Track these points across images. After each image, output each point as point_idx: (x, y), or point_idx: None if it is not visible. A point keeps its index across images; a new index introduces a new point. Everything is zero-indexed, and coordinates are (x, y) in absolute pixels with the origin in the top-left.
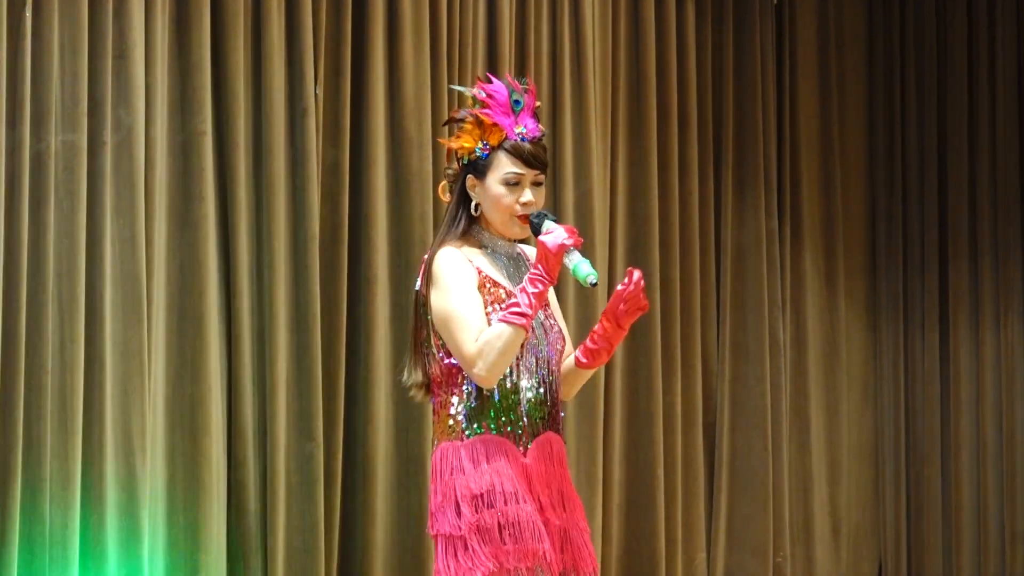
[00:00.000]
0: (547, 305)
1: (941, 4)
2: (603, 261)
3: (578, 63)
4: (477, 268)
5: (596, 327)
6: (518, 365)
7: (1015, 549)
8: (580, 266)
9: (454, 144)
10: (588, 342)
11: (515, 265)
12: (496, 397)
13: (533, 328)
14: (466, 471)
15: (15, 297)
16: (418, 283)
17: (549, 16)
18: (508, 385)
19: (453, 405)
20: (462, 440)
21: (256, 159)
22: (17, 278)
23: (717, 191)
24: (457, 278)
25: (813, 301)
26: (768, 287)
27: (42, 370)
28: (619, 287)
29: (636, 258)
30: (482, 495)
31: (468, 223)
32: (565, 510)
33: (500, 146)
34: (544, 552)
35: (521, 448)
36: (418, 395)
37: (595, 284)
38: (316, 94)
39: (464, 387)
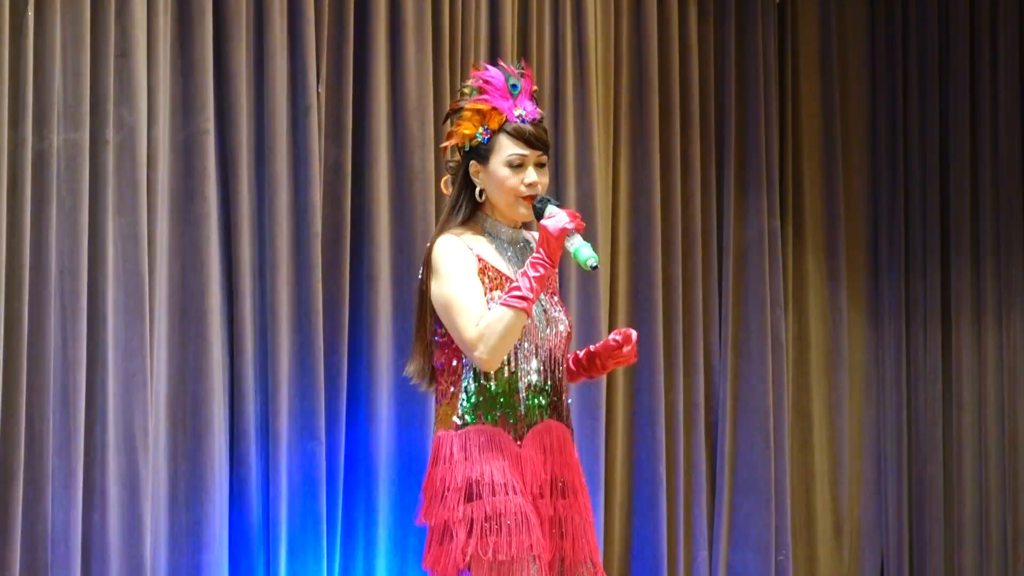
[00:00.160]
0: (553, 293)
1: (943, 3)
2: (605, 260)
3: (580, 62)
4: (477, 255)
5: (582, 360)
6: (516, 354)
7: (1017, 548)
8: (581, 249)
9: (455, 138)
10: (571, 364)
11: (519, 252)
12: (493, 387)
13: (533, 316)
14: (456, 461)
15: (17, 295)
16: (420, 272)
17: (551, 15)
18: (506, 374)
19: (452, 395)
20: (456, 430)
21: (258, 158)
22: (19, 276)
23: (719, 190)
24: (456, 265)
25: (815, 300)
26: (770, 286)
27: (44, 368)
28: (611, 338)
29: (638, 257)
30: (470, 486)
31: (471, 210)
32: (565, 496)
33: (501, 129)
34: (531, 544)
35: (517, 437)
36: (422, 384)
37: (596, 268)
38: (318, 93)
39: (463, 376)
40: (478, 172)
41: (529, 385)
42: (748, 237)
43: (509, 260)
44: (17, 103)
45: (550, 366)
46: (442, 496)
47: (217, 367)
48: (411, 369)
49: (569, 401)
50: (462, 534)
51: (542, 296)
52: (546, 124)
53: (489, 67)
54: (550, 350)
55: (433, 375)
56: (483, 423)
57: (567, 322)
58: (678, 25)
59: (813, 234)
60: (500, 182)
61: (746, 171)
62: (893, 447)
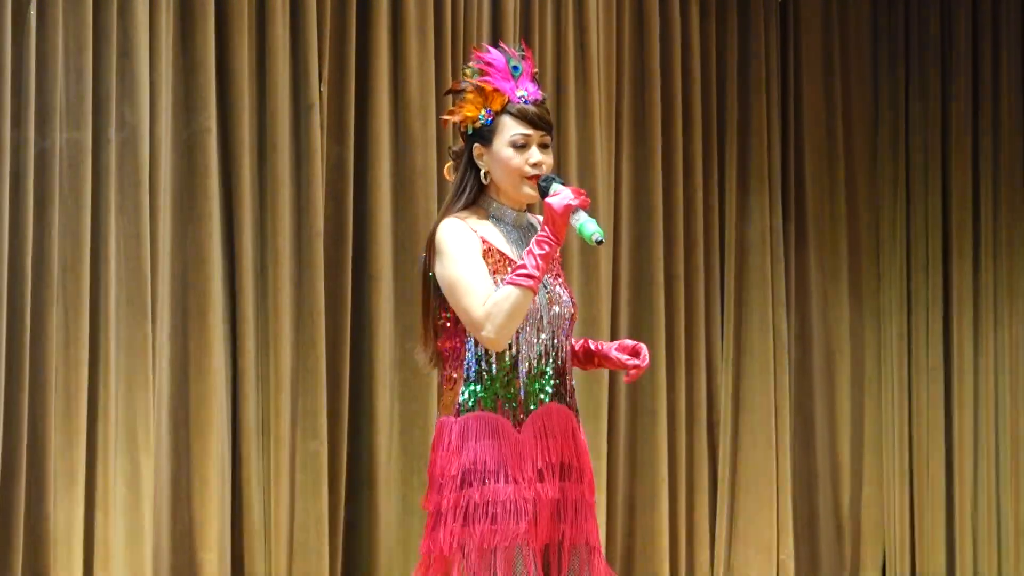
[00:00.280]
0: (557, 274)
1: (945, 3)
2: (607, 259)
3: (582, 61)
4: (481, 237)
5: (579, 351)
6: (518, 337)
7: (1018, 546)
8: (586, 224)
9: (457, 114)
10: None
11: (524, 235)
12: (495, 371)
13: (535, 299)
14: (452, 448)
15: (20, 294)
16: (424, 255)
17: (553, 14)
18: (507, 358)
19: (455, 380)
20: (456, 416)
21: (260, 156)
22: (22, 275)
23: (721, 189)
24: (460, 246)
25: (817, 299)
26: (772, 285)
27: (47, 367)
28: (625, 359)
29: (640, 255)
30: (463, 473)
31: (475, 194)
32: (569, 479)
33: (504, 110)
34: (519, 532)
35: (516, 423)
36: (429, 368)
37: (601, 242)
38: (320, 91)
39: (465, 362)
40: (482, 155)
41: (530, 368)
42: (750, 236)
43: (514, 243)
44: (20, 102)
45: (553, 348)
46: (439, 482)
47: (219, 366)
48: (423, 357)
49: (573, 383)
50: (453, 521)
51: (546, 277)
52: (548, 108)
53: (490, 49)
54: (553, 332)
55: (439, 359)
56: (482, 409)
57: (571, 303)
58: (680, 24)
59: (814, 233)
60: (504, 162)
61: (748, 170)
62: (894, 445)
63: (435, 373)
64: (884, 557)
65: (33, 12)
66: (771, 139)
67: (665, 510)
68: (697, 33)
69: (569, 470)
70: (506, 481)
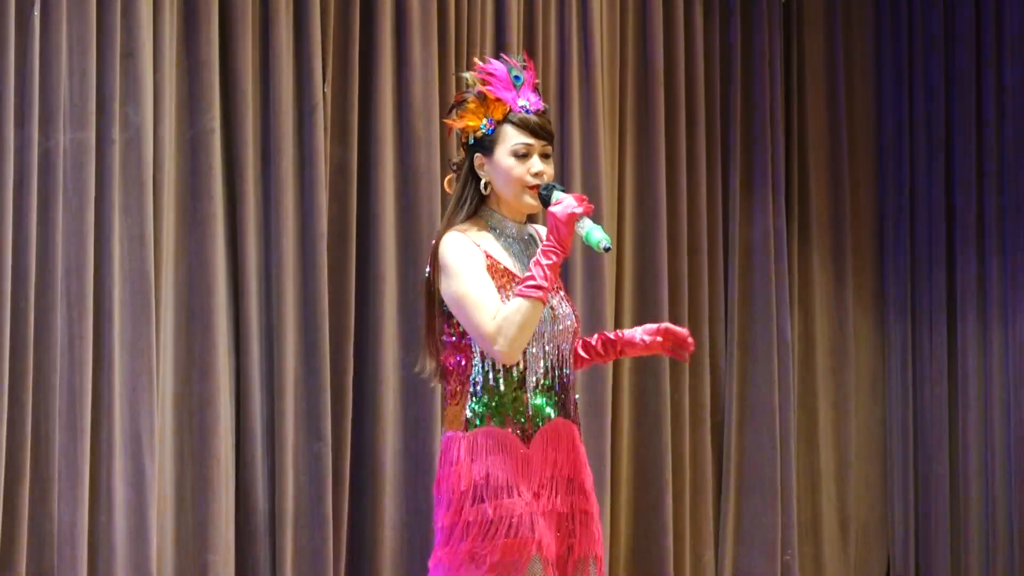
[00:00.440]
0: (559, 288)
1: (949, 2)
2: (611, 259)
3: (586, 61)
4: (484, 251)
5: (594, 341)
6: (524, 353)
7: None
8: (592, 232)
9: (458, 124)
10: (581, 349)
11: (525, 246)
12: (502, 387)
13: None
14: (463, 464)
15: (24, 295)
16: (427, 270)
17: (557, 14)
18: (515, 373)
19: (461, 395)
20: (464, 431)
21: (264, 157)
22: (26, 276)
23: (725, 189)
24: (465, 261)
25: (821, 299)
26: (776, 285)
27: (51, 368)
28: (637, 335)
29: (644, 256)
30: (475, 488)
31: (476, 205)
32: (574, 494)
33: (505, 119)
34: (535, 545)
35: (524, 439)
36: (434, 382)
37: (608, 249)
38: (324, 92)
39: (472, 377)
40: (483, 165)
41: (537, 383)
42: (754, 236)
43: (516, 256)
44: (23, 103)
45: (558, 363)
46: (449, 498)
47: (223, 367)
48: (421, 368)
49: (576, 397)
50: (467, 536)
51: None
52: (550, 118)
53: (492, 60)
54: (558, 347)
55: (443, 374)
56: (491, 425)
57: (574, 317)
58: (684, 24)
59: (819, 233)
60: (506, 172)
61: (752, 170)
62: (899, 446)
63: (432, 384)
64: (889, 558)
65: (37, 12)
66: (775, 139)
67: (669, 511)
68: (700, 33)
69: (574, 484)
70: (518, 496)
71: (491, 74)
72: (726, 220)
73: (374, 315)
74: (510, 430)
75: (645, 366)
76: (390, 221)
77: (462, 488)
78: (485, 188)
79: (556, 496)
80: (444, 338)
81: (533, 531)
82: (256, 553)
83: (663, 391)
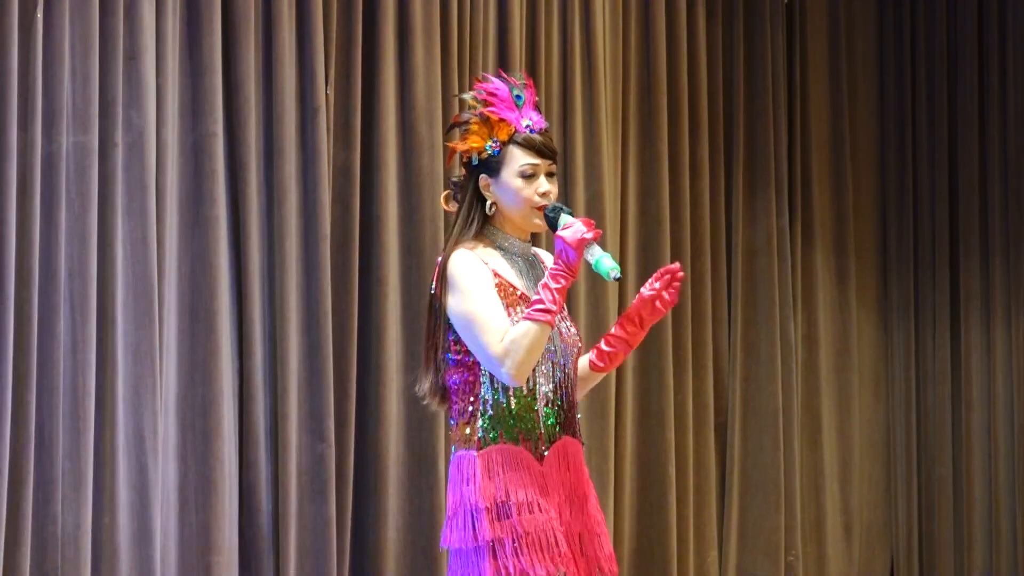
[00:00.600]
0: (562, 308)
1: (952, 2)
2: (614, 260)
3: (589, 63)
4: (492, 270)
5: (612, 330)
6: (534, 371)
7: None
8: (602, 261)
9: (462, 146)
10: (604, 344)
11: (530, 266)
12: (512, 405)
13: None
14: (481, 482)
15: (27, 298)
16: (432, 286)
17: (560, 17)
18: (524, 392)
19: (470, 413)
20: (478, 450)
21: (267, 160)
22: (29, 279)
23: (728, 191)
24: (474, 280)
25: (824, 300)
26: (779, 286)
27: (54, 371)
28: (644, 290)
29: (647, 258)
30: (497, 506)
31: (481, 224)
32: (582, 513)
33: (511, 140)
34: (560, 561)
35: (537, 455)
36: (433, 403)
37: (619, 279)
38: (327, 95)
39: (481, 395)
40: (488, 186)
41: (548, 402)
42: (757, 237)
43: (521, 274)
44: (26, 106)
45: (564, 383)
46: (470, 517)
47: (226, 369)
48: (421, 388)
49: (579, 416)
50: (492, 555)
51: None
52: (553, 128)
53: (492, 78)
54: (563, 366)
55: (444, 393)
56: (504, 442)
57: (578, 338)
58: (686, 26)
59: (822, 234)
60: (514, 193)
61: (755, 171)
62: (902, 447)
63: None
64: (892, 559)
65: (40, 15)
66: (777, 140)
67: (673, 512)
68: (703, 35)
69: (586, 502)
70: (540, 511)
71: (493, 94)
72: (729, 222)
73: (377, 317)
74: (523, 447)
75: (648, 367)
76: (393, 223)
77: (483, 506)
78: (490, 209)
79: (573, 516)
80: (449, 356)
81: (557, 547)
82: (259, 554)
83: (666, 392)
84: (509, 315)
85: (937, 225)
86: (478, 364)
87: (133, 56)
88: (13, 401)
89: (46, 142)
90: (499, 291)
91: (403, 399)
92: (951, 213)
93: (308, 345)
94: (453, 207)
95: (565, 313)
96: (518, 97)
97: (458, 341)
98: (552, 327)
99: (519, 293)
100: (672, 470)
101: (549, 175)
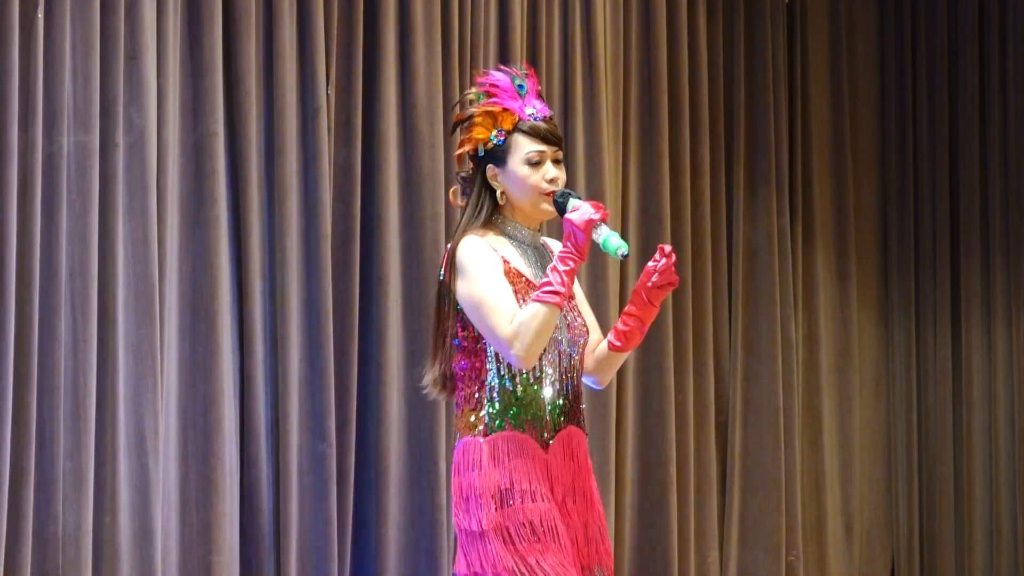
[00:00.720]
0: (570, 298)
1: (952, 2)
2: (615, 261)
3: (590, 63)
4: (502, 257)
5: (627, 307)
6: (541, 360)
7: None
8: (610, 239)
9: (468, 144)
10: (619, 324)
11: (539, 255)
12: (520, 393)
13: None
14: (486, 468)
15: (28, 298)
16: (441, 273)
17: (561, 16)
18: (531, 380)
19: (477, 400)
20: (484, 436)
21: (268, 159)
22: (30, 279)
23: (729, 190)
24: (483, 265)
25: (825, 299)
26: (780, 286)
27: (55, 371)
28: (649, 264)
29: (648, 256)
30: (501, 493)
31: (491, 214)
32: (587, 504)
33: (515, 129)
34: (562, 550)
35: (542, 444)
36: (434, 392)
37: (626, 256)
38: (328, 94)
39: (487, 381)
40: (496, 176)
41: (553, 391)
42: (757, 237)
43: (530, 262)
44: (27, 105)
45: (570, 372)
46: (475, 503)
47: (227, 369)
48: (428, 378)
49: (583, 407)
50: (497, 541)
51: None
52: (557, 128)
53: (492, 72)
54: (570, 355)
55: (450, 381)
56: (511, 429)
57: (585, 329)
58: (687, 25)
59: (823, 233)
60: (521, 181)
61: (755, 171)
62: (903, 447)
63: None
64: (893, 559)
65: (40, 15)
66: (778, 140)
67: (674, 511)
68: (704, 34)
69: (587, 494)
70: (543, 500)
71: (495, 85)
72: (730, 221)
73: (378, 316)
74: (529, 435)
75: (649, 366)
76: (394, 222)
77: (491, 492)
78: (500, 198)
79: (576, 506)
80: (456, 342)
81: (557, 537)
82: (260, 554)
83: (667, 391)
84: (517, 300)
85: (938, 225)
86: (485, 351)
87: (134, 56)
88: (14, 401)
89: (47, 142)
90: (508, 277)
91: (404, 398)
92: (952, 213)
93: (309, 344)
94: (462, 203)
95: (573, 303)
96: (520, 87)
97: (466, 327)
98: (561, 309)
99: (528, 281)
100: (673, 470)
101: (556, 162)
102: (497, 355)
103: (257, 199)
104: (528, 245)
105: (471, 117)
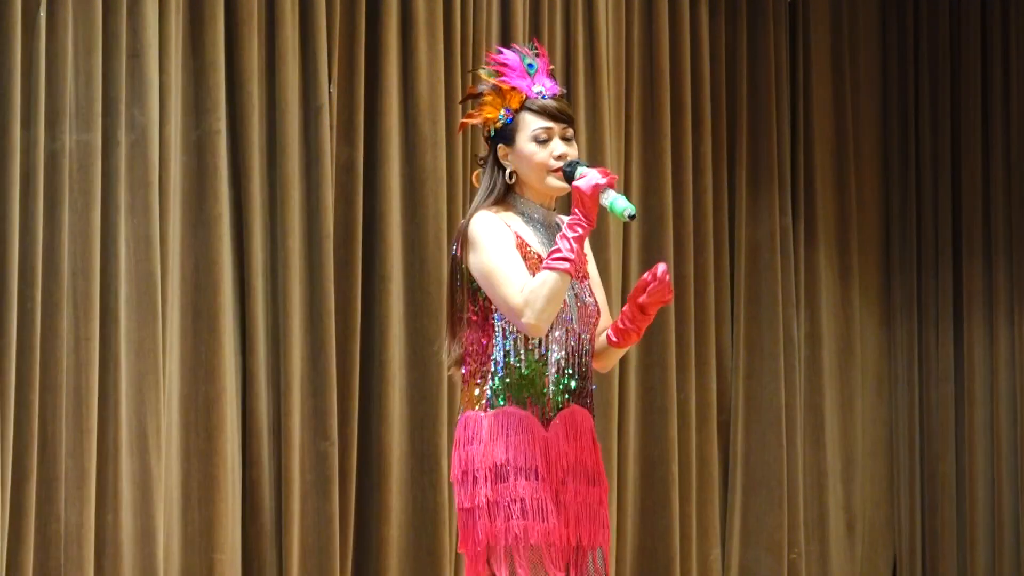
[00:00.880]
0: (583, 277)
1: (955, 2)
2: (617, 260)
3: (592, 62)
4: (514, 232)
5: (624, 310)
6: (547, 337)
7: None
8: (616, 202)
9: (477, 119)
10: (618, 322)
11: (552, 232)
12: (524, 369)
13: (565, 299)
14: (484, 443)
15: (30, 296)
16: (455, 249)
17: (563, 15)
18: (536, 356)
19: (481, 375)
20: (485, 411)
21: (270, 158)
22: (32, 277)
23: (731, 189)
24: (495, 237)
25: (827, 298)
26: (782, 284)
27: (57, 369)
28: (646, 275)
29: (650, 256)
30: (496, 468)
31: (503, 193)
32: (586, 483)
33: (523, 107)
34: (547, 531)
35: (544, 421)
36: (457, 374)
37: (633, 217)
38: (330, 93)
39: (493, 356)
40: (506, 155)
41: (559, 368)
42: (760, 235)
43: (543, 240)
44: (29, 104)
45: (578, 350)
46: (471, 477)
47: (229, 367)
48: (450, 358)
49: (593, 387)
50: (488, 517)
51: (574, 281)
52: (569, 102)
53: (503, 50)
54: (579, 333)
55: (462, 356)
56: (512, 405)
57: (596, 307)
58: (689, 24)
59: (825, 232)
60: (529, 159)
61: (758, 169)
62: (905, 445)
63: (448, 371)
64: (895, 557)
65: (43, 14)
66: (781, 138)
67: (676, 509)
68: (706, 33)
69: (588, 473)
70: (536, 479)
71: (504, 64)
72: (732, 220)
73: (380, 314)
74: (530, 412)
75: (651, 364)
76: (396, 220)
77: (485, 467)
78: (510, 177)
79: (572, 484)
80: (468, 316)
81: (544, 517)
82: (262, 552)
83: (669, 389)
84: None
85: (940, 223)
86: (493, 327)
87: (136, 54)
88: (16, 399)
89: (49, 140)
90: (520, 250)
91: (406, 396)
92: (954, 211)
93: (311, 342)
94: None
95: (587, 284)
96: (530, 65)
97: (476, 302)
98: (572, 276)
99: (540, 256)
100: (675, 467)
101: (565, 139)
102: (504, 331)
103: (259, 197)
104: (541, 223)
105: (481, 94)
